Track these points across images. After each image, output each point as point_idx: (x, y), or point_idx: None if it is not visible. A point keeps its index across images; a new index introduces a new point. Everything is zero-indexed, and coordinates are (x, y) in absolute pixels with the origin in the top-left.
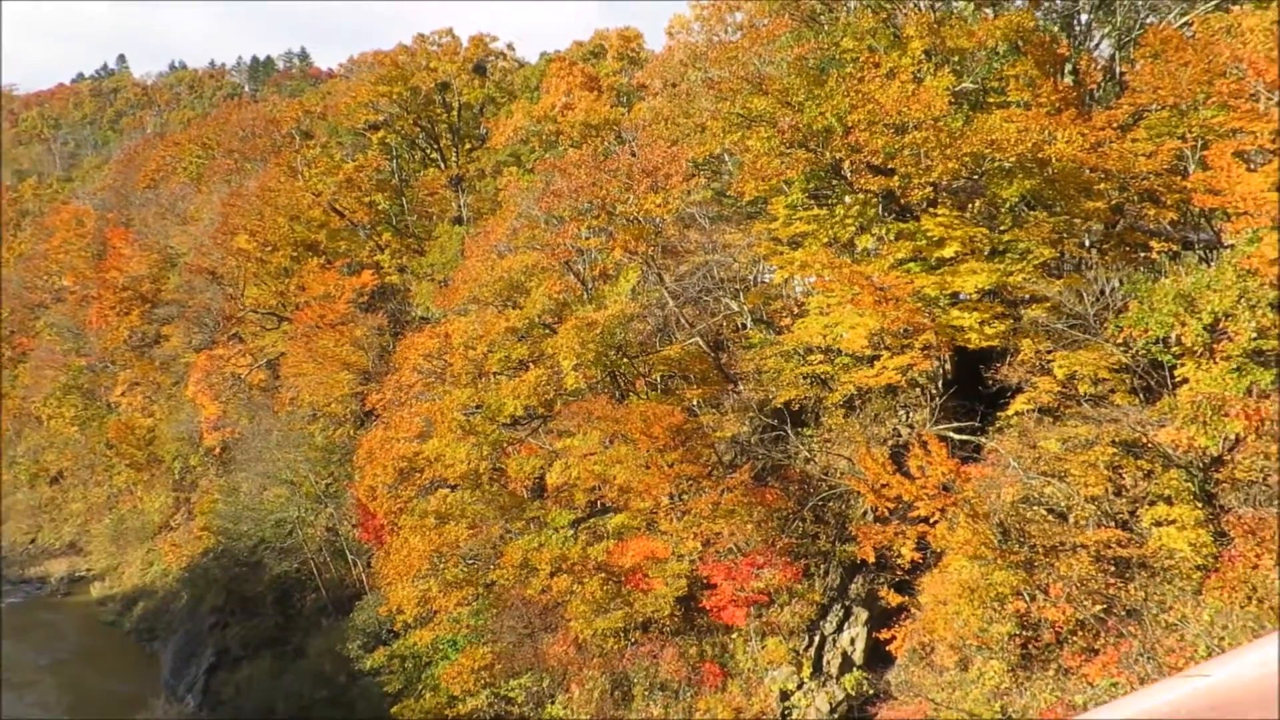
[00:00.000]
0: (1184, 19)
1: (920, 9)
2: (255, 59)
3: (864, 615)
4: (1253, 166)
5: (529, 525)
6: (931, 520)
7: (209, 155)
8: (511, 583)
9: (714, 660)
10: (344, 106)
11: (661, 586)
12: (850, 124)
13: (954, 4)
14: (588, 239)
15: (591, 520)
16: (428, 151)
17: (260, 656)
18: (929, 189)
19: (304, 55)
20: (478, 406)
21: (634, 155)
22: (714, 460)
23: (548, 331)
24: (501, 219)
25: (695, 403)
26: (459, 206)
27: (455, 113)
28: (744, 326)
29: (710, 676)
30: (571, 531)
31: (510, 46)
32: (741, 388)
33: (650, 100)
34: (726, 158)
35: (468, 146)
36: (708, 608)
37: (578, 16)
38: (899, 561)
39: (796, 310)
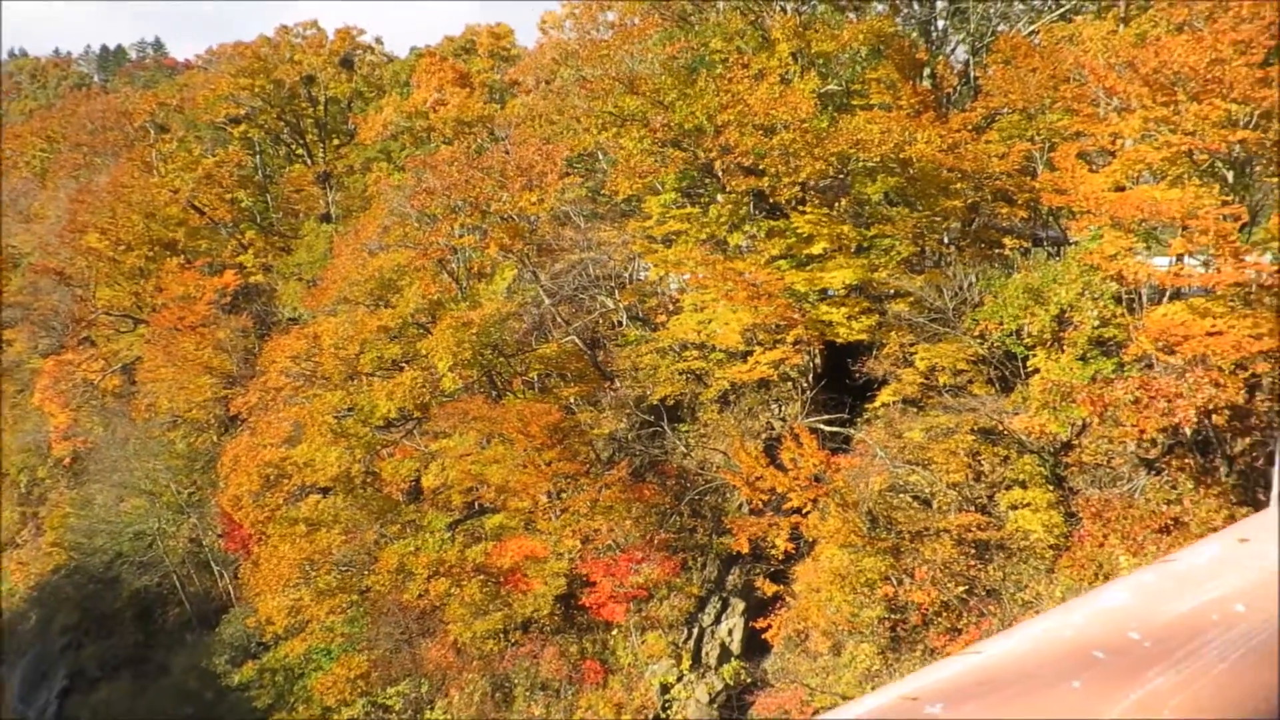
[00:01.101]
0: (1032, 27)
1: (786, 12)
2: (105, 48)
3: (741, 606)
4: (1094, 167)
5: (405, 529)
6: (804, 510)
7: (54, 149)
8: (387, 588)
9: (595, 657)
10: (202, 99)
11: (541, 586)
12: (720, 124)
13: (818, 8)
14: (462, 237)
15: (469, 522)
16: (293, 147)
17: (119, 676)
18: (797, 189)
19: (158, 45)
20: (350, 409)
21: (508, 153)
22: (592, 458)
23: (422, 331)
24: (372, 216)
25: (573, 400)
26: (327, 204)
27: (321, 107)
28: (620, 324)
29: (591, 674)
30: (449, 534)
31: (379, 40)
32: (618, 385)
33: (523, 97)
34: (601, 155)
35: (335, 142)
36: (587, 605)
37: (448, 12)
38: (773, 552)
39: (672, 307)
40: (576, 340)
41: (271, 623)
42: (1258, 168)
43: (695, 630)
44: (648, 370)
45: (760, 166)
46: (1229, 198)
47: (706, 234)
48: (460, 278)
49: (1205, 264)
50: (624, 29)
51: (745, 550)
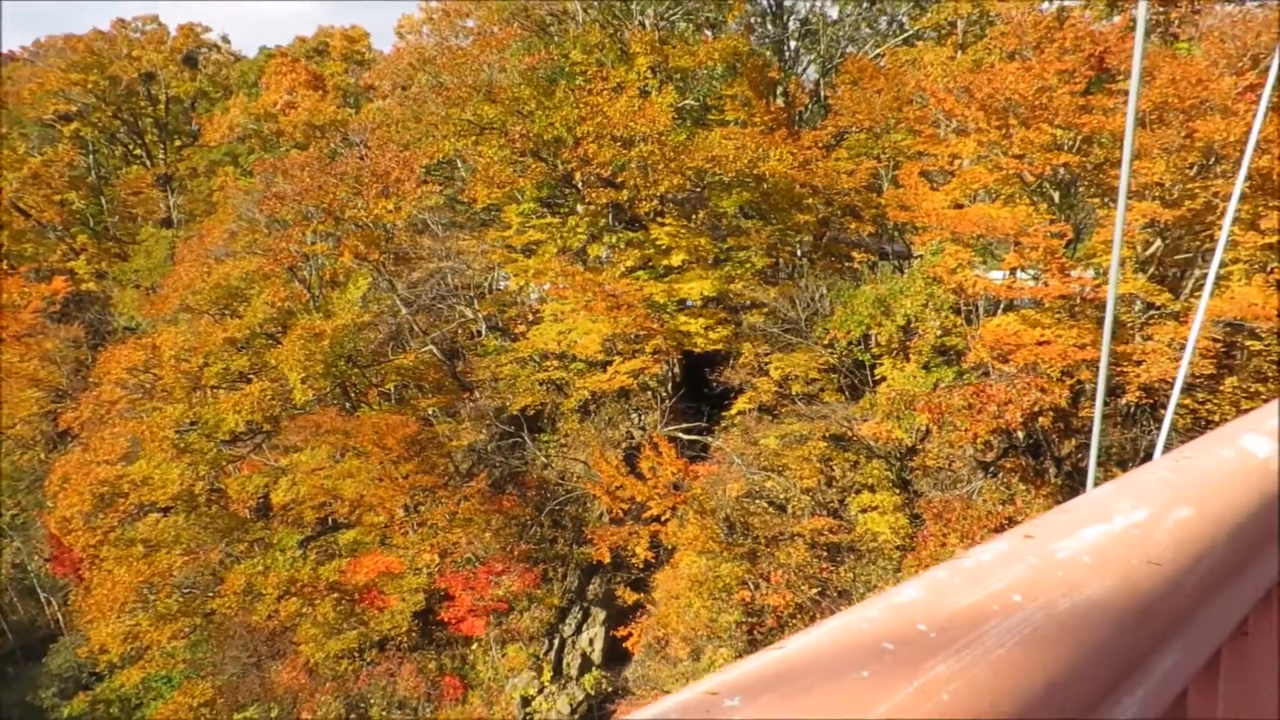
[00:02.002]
0: (878, 51)
1: (645, 27)
2: None
3: (602, 615)
4: (935, 186)
5: (253, 548)
6: (663, 519)
7: None
8: (234, 610)
9: (454, 673)
10: (29, 94)
11: (398, 602)
12: (580, 135)
13: (676, 24)
14: (314, 244)
15: (322, 538)
16: (131, 147)
17: None
18: (656, 201)
19: None
20: (193, 423)
21: (363, 158)
22: (450, 470)
23: (271, 342)
24: (218, 222)
25: (431, 412)
26: (168, 208)
27: (162, 106)
28: (479, 334)
29: (450, 690)
30: (300, 551)
31: (225, 39)
32: (478, 395)
33: (379, 102)
34: (460, 163)
35: (178, 143)
36: (446, 620)
37: (299, 14)
38: (634, 560)
39: (532, 317)
40: (434, 350)
41: (105, 651)
42: (1080, 189)
43: (556, 641)
44: (507, 380)
45: (619, 179)
46: (1055, 216)
47: (566, 244)
48: (313, 286)
49: (1035, 278)
50: (484, 37)
51: (606, 559)
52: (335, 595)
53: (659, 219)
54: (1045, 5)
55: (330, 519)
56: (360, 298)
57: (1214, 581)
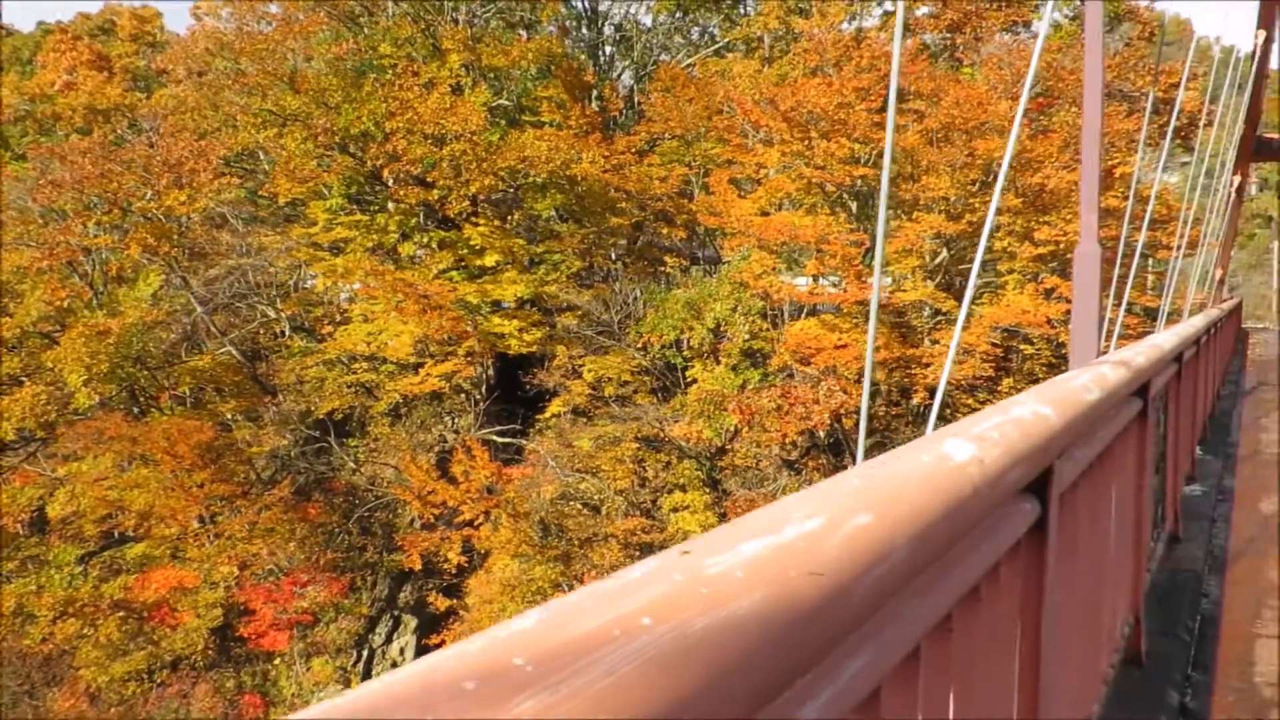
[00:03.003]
0: (690, 60)
1: (458, 23)
2: None
3: (413, 623)
4: (744, 193)
5: (25, 565)
6: (476, 523)
7: None
8: (2, 635)
9: (254, 690)
10: None
11: (192, 619)
12: (389, 131)
13: (490, 22)
14: (97, 237)
15: (106, 553)
16: None
17: None
18: (468, 201)
19: None
20: None
21: (153, 146)
22: (251, 477)
23: (47, 342)
24: None
25: (230, 417)
26: None
27: None
28: (283, 334)
29: (250, 708)
30: (80, 568)
31: None
32: (282, 399)
33: (173, 88)
34: (263, 155)
35: None
36: (246, 635)
37: (88, 9)
38: (446, 566)
39: (340, 317)
40: (234, 352)
41: None
42: (877, 200)
43: (365, 652)
44: (314, 383)
45: (431, 177)
46: (854, 226)
47: (376, 242)
48: (95, 282)
49: (836, 284)
50: (288, 23)
51: (417, 566)
52: (121, 614)
53: (473, 219)
54: (845, 26)
55: (116, 532)
56: (150, 295)
57: (892, 586)
